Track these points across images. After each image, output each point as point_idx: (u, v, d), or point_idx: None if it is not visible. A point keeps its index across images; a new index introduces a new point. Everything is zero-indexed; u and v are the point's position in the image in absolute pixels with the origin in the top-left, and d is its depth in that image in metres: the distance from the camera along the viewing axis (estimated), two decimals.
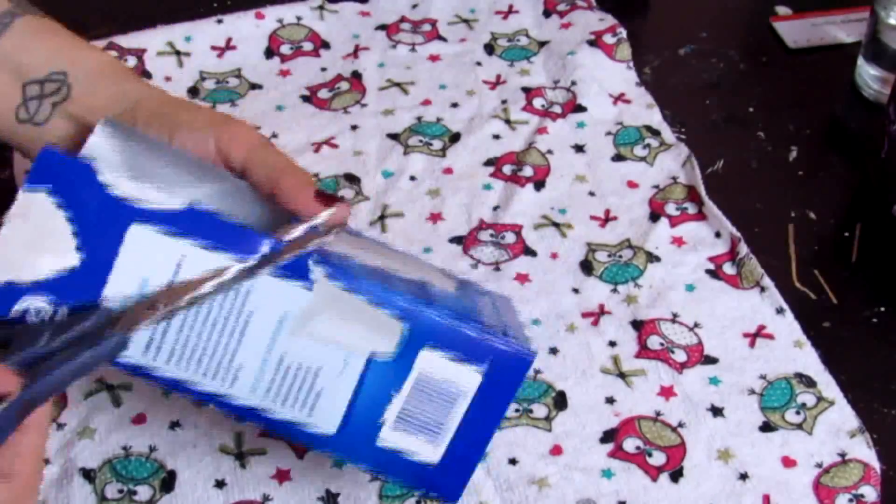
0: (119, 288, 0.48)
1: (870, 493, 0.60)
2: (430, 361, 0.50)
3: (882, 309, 0.69)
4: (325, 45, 0.87)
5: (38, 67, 0.56)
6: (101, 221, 0.48)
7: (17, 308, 0.47)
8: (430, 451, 0.52)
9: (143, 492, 0.59)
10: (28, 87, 0.56)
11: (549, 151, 0.79)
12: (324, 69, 0.85)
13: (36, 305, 0.47)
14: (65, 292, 0.48)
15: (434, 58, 0.86)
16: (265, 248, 0.48)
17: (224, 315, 0.49)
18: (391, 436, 0.51)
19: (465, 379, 0.51)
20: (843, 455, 0.61)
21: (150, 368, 0.49)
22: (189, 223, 0.48)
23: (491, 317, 0.54)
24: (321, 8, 0.89)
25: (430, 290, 0.53)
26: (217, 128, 0.53)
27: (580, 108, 0.82)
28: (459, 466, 0.53)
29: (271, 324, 0.49)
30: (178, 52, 0.84)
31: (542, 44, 0.88)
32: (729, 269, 0.71)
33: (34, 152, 0.57)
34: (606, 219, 0.74)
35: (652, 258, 0.72)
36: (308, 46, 0.87)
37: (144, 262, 0.48)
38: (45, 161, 0.48)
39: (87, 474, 0.59)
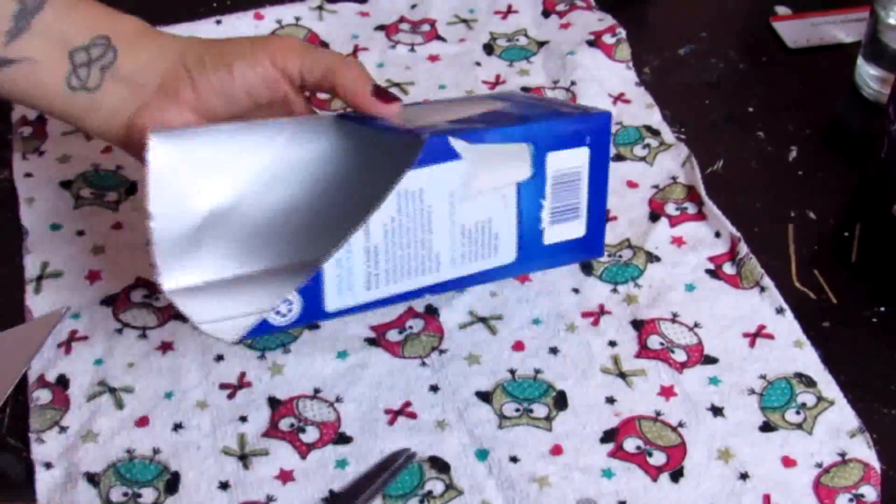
0: None
1: (870, 492, 0.60)
2: (555, 160, 0.61)
3: (882, 309, 0.69)
4: (325, 46, 0.87)
5: (80, 35, 0.57)
6: None
7: None
8: (579, 227, 0.64)
9: (148, 494, 0.59)
10: (75, 54, 0.56)
11: None
12: None
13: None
14: None
15: (433, 58, 0.86)
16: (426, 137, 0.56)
17: (412, 219, 0.57)
18: (551, 233, 0.63)
19: (580, 158, 0.62)
20: (843, 455, 0.61)
21: (377, 299, 0.58)
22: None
23: (563, 106, 0.67)
24: (320, 8, 0.89)
25: (512, 114, 0.64)
26: (267, 46, 0.58)
27: None
28: (598, 226, 0.65)
29: (446, 203, 0.58)
30: None
31: (541, 44, 0.88)
32: (729, 268, 0.71)
33: (89, 121, 0.58)
34: (606, 219, 0.74)
35: (652, 258, 0.72)
36: None
37: None
38: None
39: (92, 478, 0.59)
